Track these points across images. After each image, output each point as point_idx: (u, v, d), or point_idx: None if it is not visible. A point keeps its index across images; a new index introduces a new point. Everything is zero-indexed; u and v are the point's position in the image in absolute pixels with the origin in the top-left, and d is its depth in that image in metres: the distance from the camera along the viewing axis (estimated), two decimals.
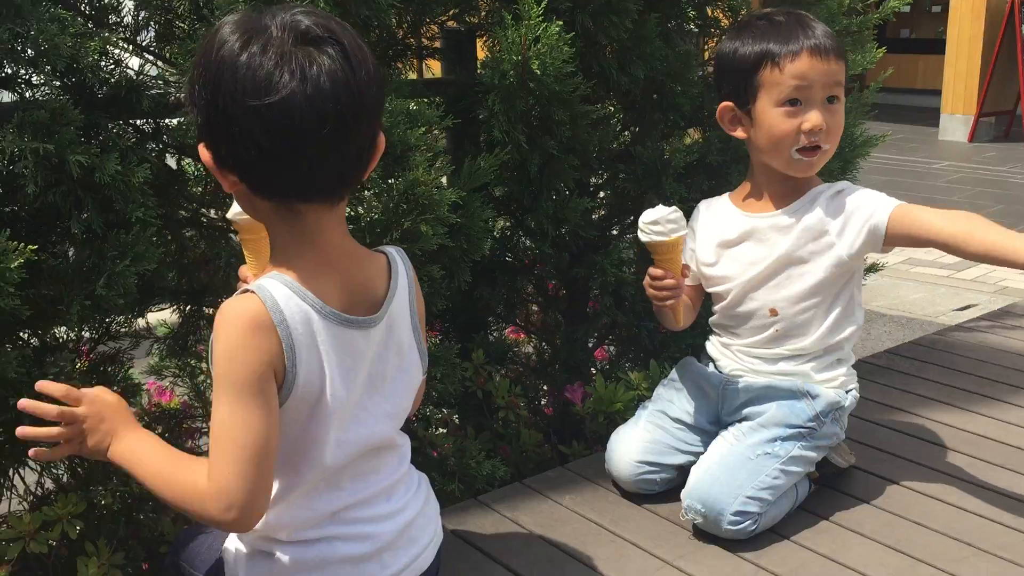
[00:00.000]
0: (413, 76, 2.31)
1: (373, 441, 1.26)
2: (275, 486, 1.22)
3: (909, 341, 2.58)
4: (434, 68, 2.39)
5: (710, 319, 1.85)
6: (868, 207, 1.62)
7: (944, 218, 1.54)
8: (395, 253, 1.31)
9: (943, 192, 6.71)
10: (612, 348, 2.62)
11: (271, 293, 1.14)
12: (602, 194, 2.46)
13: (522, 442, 2.15)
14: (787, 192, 1.71)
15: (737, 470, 1.62)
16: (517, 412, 2.09)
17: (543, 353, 2.54)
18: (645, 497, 1.76)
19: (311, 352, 1.16)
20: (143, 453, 1.19)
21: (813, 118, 1.60)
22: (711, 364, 1.83)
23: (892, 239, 1.62)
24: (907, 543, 1.59)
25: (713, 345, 1.84)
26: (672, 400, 1.82)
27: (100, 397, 1.22)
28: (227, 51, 1.07)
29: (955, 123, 8.81)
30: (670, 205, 2.21)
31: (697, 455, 1.74)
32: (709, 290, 1.81)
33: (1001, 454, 1.88)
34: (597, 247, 2.30)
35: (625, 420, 2.07)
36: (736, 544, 1.59)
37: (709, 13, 2.40)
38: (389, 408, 1.29)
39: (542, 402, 2.51)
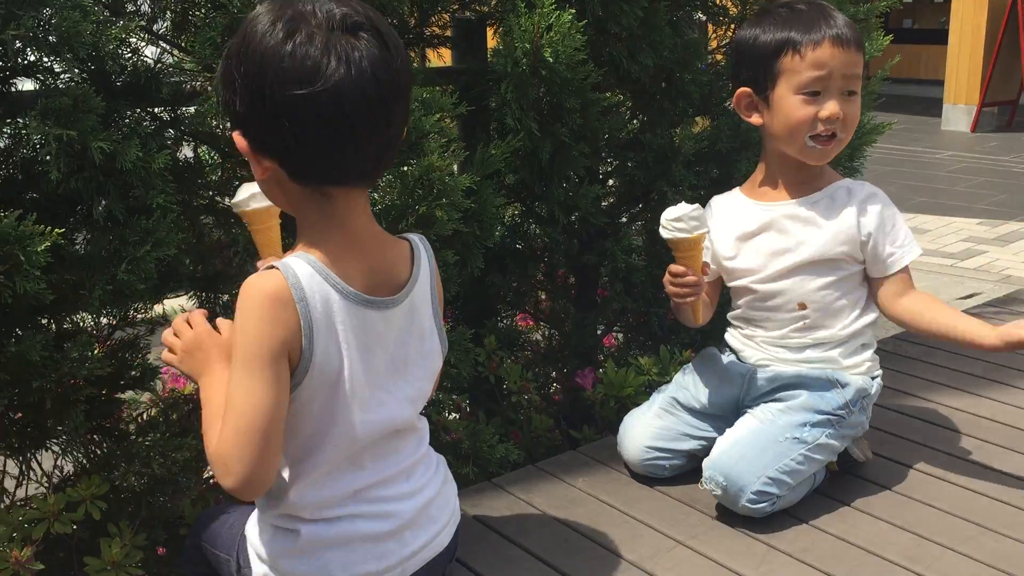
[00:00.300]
0: (427, 64, 2.33)
1: (395, 423, 1.29)
2: (300, 464, 1.25)
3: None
4: (445, 57, 2.41)
5: (730, 314, 1.86)
6: (898, 241, 1.69)
7: (906, 298, 1.69)
8: (418, 240, 1.33)
9: (946, 182, 6.72)
10: (621, 335, 2.65)
11: (294, 270, 1.17)
12: (612, 182, 2.48)
13: (533, 427, 2.17)
14: (803, 181, 1.73)
15: (764, 450, 1.63)
16: (528, 397, 2.11)
17: (552, 340, 2.57)
18: (657, 479, 1.78)
19: (329, 332, 1.19)
20: (209, 396, 1.23)
21: (831, 107, 1.63)
22: (733, 355, 1.84)
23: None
24: (915, 523, 1.61)
25: (734, 337, 1.85)
26: (688, 387, 1.83)
27: (203, 328, 1.28)
28: (271, 40, 1.10)
29: (958, 113, 8.81)
30: (679, 193, 2.25)
31: (710, 441, 1.76)
32: (731, 284, 1.81)
33: (1009, 437, 1.91)
34: (607, 234, 2.33)
35: (636, 405, 2.10)
36: (747, 524, 1.62)
37: (718, 1, 2.42)
38: (411, 391, 1.31)
39: (552, 388, 2.54)
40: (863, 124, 2.51)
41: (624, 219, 2.51)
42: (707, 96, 2.34)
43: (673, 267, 1.68)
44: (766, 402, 1.73)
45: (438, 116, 1.72)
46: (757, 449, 1.64)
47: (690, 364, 1.89)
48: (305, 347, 1.17)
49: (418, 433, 1.37)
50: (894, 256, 1.69)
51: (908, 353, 2.35)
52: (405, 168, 1.72)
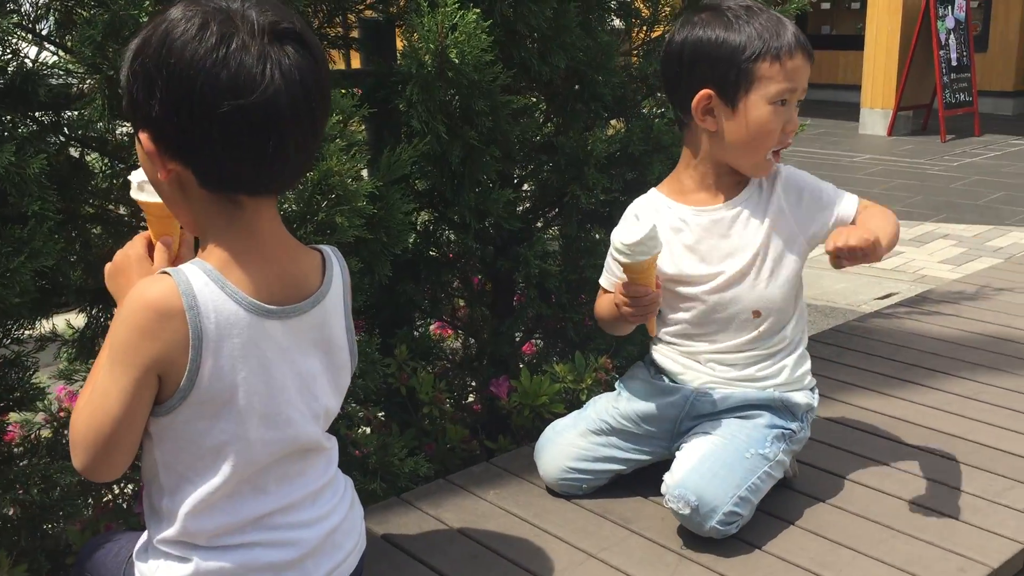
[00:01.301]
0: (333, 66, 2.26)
1: (300, 442, 1.22)
2: (192, 487, 1.17)
3: (830, 328, 2.61)
4: (354, 59, 2.35)
5: (664, 330, 1.73)
6: (833, 200, 1.66)
7: (875, 219, 1.64)
8: (331, 252, 1.28)
9: (864, 184, 6.86)
10: (541, 342, 2.61)
11: (187, 278, 1.11)
12: (526, 186, 2.44)
13: (448, 438, 2.12)
14: (732, 185, 1.67)
15: (733, 467, 1.55)
16: (442, 408, 2.06)
17: (470, 348, 2.52)
18: None
19: (222, 345, 1.12)
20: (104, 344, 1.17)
21: (795, 118, 1.60)
22: (664, 377, 1.73)
23: None
24: (827, 527, 1.60)
25: (669, 358, 1.73)
26: (621, 409, 1.73)
27: (134, 252, 1.23)
28: (201, 47, 1.05)
29: (875, 117, 9.02)
30: (593, 197, 2.21)
31: (637, 463, 1.72)
32: (679, 295, 1.68)
33: (919, 437, 1.92)
34: (522, 239, 2.29)
35: (552, 414, 2.06)
36: (659, 534, 1.59)
37: (634, 4, 2.40)
38: (317, 408, 1.24)
39: (469, 398, 2.49)
40: None
41: (540, 224, 2.48)
42: (620, 98, 2.32)
43: (632, 289, 1.55)
44: (719, 418, 1.65)
45: (338, 119, 1.66)
46: (727, 467, 1.56)
47: (623, 384, 1.78)
48: (191, 361, 1.10)
49: (326, 454, 1.30)
50: (840, 206, 1.65)
51: (821, 353, 2.36)
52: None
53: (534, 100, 2.34)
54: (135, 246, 1.25)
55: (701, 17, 1.64)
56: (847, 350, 2.38)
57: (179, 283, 1.10)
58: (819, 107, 10.45)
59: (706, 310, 1.66)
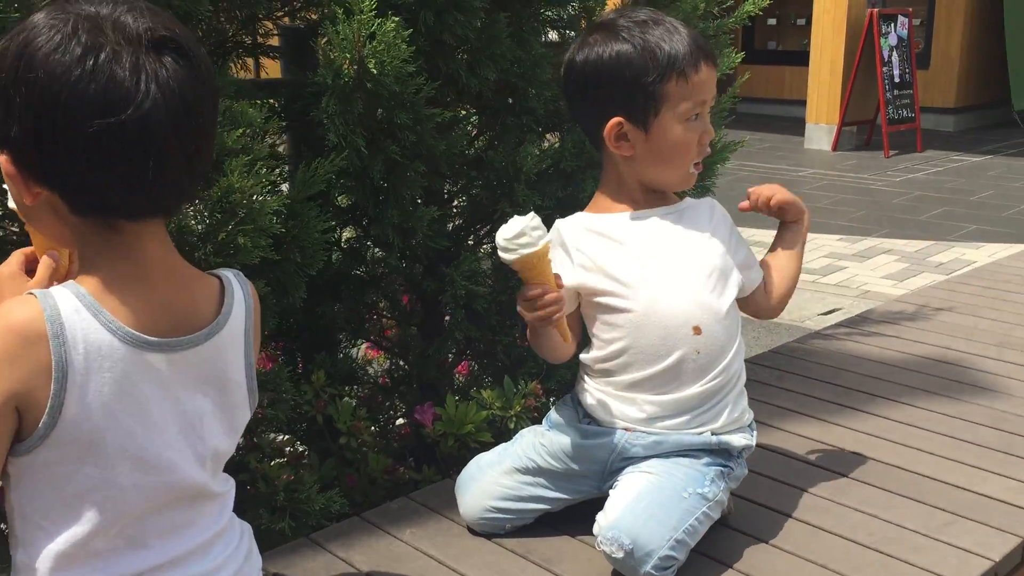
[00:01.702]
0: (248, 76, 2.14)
1: (185, 488, 1.10)
2: (57, 541, 1.04)
3: (769, 350, 2.55)
4: (273, 69, 2.23)
5: (596, 357, 1.59)
6: (750, 263, 1.65)
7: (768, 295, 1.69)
8: (232, 277, 1.16)
9: (808, 199, 6.87)
10: (476, 365, 2.50)
11: (56, 302, 0.99)
12: (457, 203, 2.34)
13: (370, 468, 2.00)
14: (658, 201, 1.60)
15: (671, 508, 1.45)
16: (361, 438, 1.94)
17: (398, 371, 2.40)
18: None
19: (90, 378, 1.00)
20: None
21: (710, 129, 1.54)
22: (591, 421, 1.61)
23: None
24: (764, 569, 1.52)
25: (597, 401, 1.59)
26: (548, 448, 1.61)
27: (8, 269, 1.12)
28: (67, 58, 0.94)
29: (819, 132, 9.09)
30: (525, 213, 2.12)
31: (564, 503, 1.62)
32: (613, 302, 1.55)
33: (859, 468, 1.85)
34: (451, 259, 2.18)
35: (478, 443, 1.95)
36: None
37: (568, 15, 2.32)
38: (204, 450, 1.12)
39: (395, 424, 2.37)
40: (715, 143, 2.45)
41: (472, 241, 2.38)
42: (553, 112, 2.23)
43: (529, 291, 1.44)
44: (652, 457, 1.54)
45: (241, 131, 1.54)
46: (664, 507, 1.45)
47: (550, 422, 1.66)
48: (53, 395, 0.98)
49: (218, 501, 1.18)
50: (752, 271, 1.65)
51: (759, 377, 2.29)
52: (202, 190, 1.53)
53: (463, 113, 2.25)
54: (9, 263, 1.12)
55: (596, 37, 1.54)
56: (786, 373, 2.31)
57: (45, 307, 0.98)
58: (765, 122, 10.53)
59: (640, 321, 1.52)
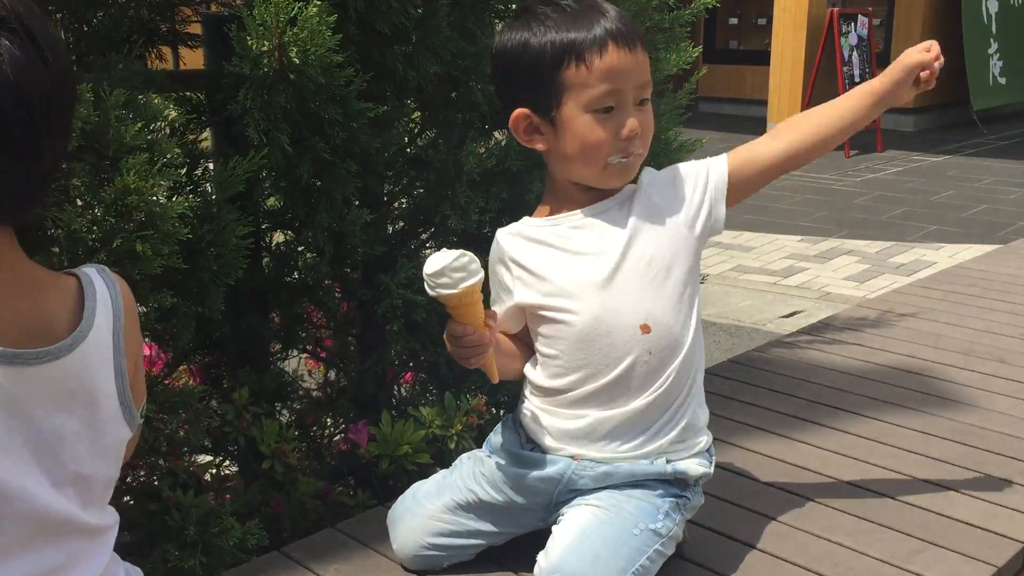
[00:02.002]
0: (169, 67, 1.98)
1: (44, 520, 0.95)
2: None
3: (728, 360, 2.43)
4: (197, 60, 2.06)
5: (543, 382, 1.44)
6: (699, 170, 1.46)
7: (775, 137, 1.51)
8: (94, 274, 1.02)
9: (769, 199, 6.81)
10: (422, 376, 2.35)
11: None
12: (397, 205, 2.19)
13: (300, 493, 1.85)
14: (597, 198, 1.44)
15: (619, 547, 1.31)
16: (286, 462, 1.78)
17: (334, 384, 2.25)
18: None
19: None
20: None
21: (631, 124, 1.35)
22: (534, 447, 1.47)
23: (739, 188, 1.47)
24: None
25: (539, 424, 1.45)
26: (488, 478, 1.47)
27: None
28: None
29: None
30: (465, 218, 1.97)
31: (506, 537, 1.48)
32: (553, 315, 1.42)
33: (821, 489, 1.72)
34: (389, 265, 2.03)
35: (416, 464, 1.81)
36: None
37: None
38: (62, 475, 0.97)
39: (336, 438, 2.22)
40: (670, 141, 2.32)
41: (414, 246, 2.23)
42: (500, 108, 2.08)
43: (452, 327, 1.32)
44: (601, 488, 1.40)
45: (140, 126, 1.38)
46: (611, 546, 1.31)
47: (490, 448, 1.51)
48: None
49: (96, 539, 1.03)
50: (712, 167, 1.47)
51: (718, 389, 2.16)
52: (97, 190, 1.37)
53: (404, 108, 2.10)
54: None
55: (513, 24, 1.41)
56: (745, 385, 2.19)
57: None
58: (726, 121, 10.47)
59: (583, 333, 1.38)
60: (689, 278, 1.42)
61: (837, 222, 6.20)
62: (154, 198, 1.36)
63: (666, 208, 1.43)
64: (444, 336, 1.36)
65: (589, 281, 1.39)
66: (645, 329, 1.37)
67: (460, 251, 1.28)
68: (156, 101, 1.44)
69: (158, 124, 1.46)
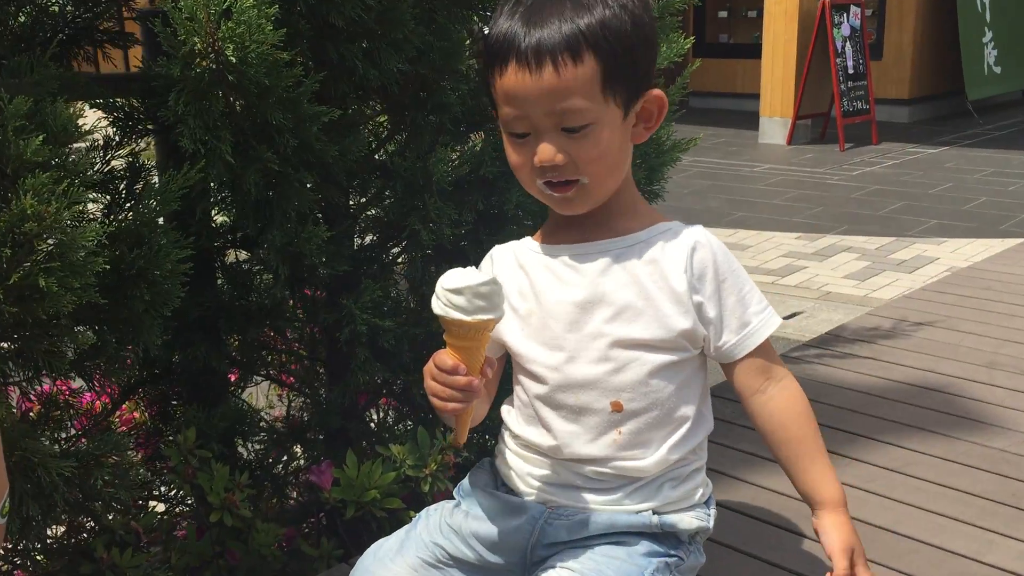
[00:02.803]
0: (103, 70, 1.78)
1: None
2: None
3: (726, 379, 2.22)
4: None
5: (516, 428, 1.26)
6: (749, 307, 1.19)
7: (764, 394, 1.21)
8: None
9: (764, 195, 6.63)
10: (399, 409, 2.15)
11: None
12: (363, 219, 1.99)
13: (257, 543, 1.65)
14: (602, 223, 1.20)
15: None
16: (235, 512, 1.58)
17: (297, 415, 2.05)
18: None
19: None
20: None
21: (542, 151, 1.11)
22: (505, 488, 1.28)
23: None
24: None
25: (508, 464, 1.28)
26: (458, 531, 1.28)
27: None
28: None
29: (774, 126, 8.87)
30: (435, 231, 1.77)
31: None
32: (527, 365, 1.23)
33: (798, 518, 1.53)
34: (355, 285, 1.83)
35: (385, 511, 1.62)
36: None
37: None
38: None
39: (303, 477, 2.02)
40: (662, 142, 2.13)
41: (386, 260, 2.03)
42: (473, 109, 1.89)
43: (442, 359, 1.09)
44: (583, 546, 1.20)
45: (41, 139, 1.17)
46: None
47: (461, 493, 1.32)
48: None
49: None
50: (746, 330, 1.18)
51: (719, 414, 1.96)
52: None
53: (366, 111, 1.90)
54: None
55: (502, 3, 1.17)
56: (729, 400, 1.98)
57: None
58: (718, 116, 10.30)
59: (551, 392, 1.20)
60: (688, 363, 1.20)
61: (834, 218, 6.02)
62: (61, 224, 1.15)
63: (688, 287, 1.17)
64: (426, 366, 1.13)
65: (561, 342, 1.19)
66: (616, 406, 1.19)
67: (492, 277, 1.06)
68: (65, 111, 1.24)
69: (72, 136, 1.26)
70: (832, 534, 1.18)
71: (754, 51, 9.50)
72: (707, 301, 1.17)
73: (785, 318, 4.35)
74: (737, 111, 10.60)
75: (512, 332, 1.23)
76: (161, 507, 1.83)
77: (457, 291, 1.04)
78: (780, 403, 1.21)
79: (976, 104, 9.58)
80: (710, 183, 6.90)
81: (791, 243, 5.48)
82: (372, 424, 2.08)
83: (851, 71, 8.44)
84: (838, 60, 8.29)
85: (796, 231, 5.74)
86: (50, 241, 1.15)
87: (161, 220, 1.49)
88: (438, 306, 1.07)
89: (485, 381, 1.16)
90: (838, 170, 7.57)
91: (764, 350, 1.21)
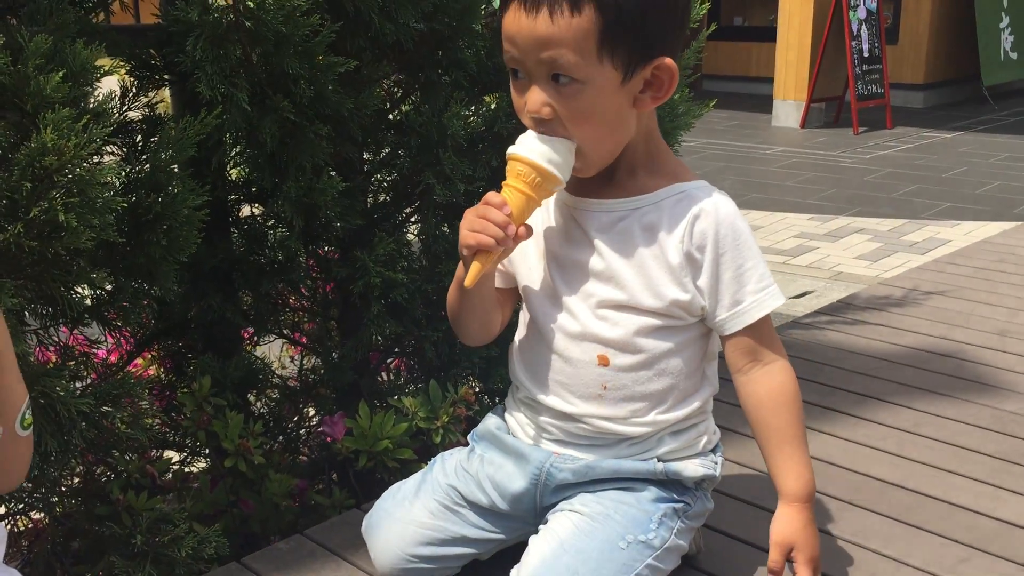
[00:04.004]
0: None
1: None
2: None
3: None
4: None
5: (517, 364, 1.30)
6: (748, 284, 1.17)
7: (752, 375, 1.22)
8: None
9: (778, 177, 6.61)
10: (412, 362, 2.16)
11: None
12: (380, 175, 1.99)
13: (270, 492, 1.66)
14: (623, 179, 1.19)
15: (602, 563, 1.13)
16: (248, 459, 1.60)
17: (309, 371, 2.06)
18: None
19: None
20: None
21: (529, 99, 1.11)
22: (512, 436, 1.30)
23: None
24: None
25: (516, 416, 1.30)
26: (472, 474, 1.29)
27: None
28: None
29: (787, 109, 8.82)
30: (450, 187, 1.78)
31: (494, 546, 1.29)
32: (526, 319, 1.27)
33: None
34: (368, 240, 1.84)
35: (397, 461, 1.63)
36: None
37: None
38: None
39: (308, 434, 2.03)
40: (675, 108, 2.12)
41: (399, 219, 2.04)
42: (489, 69, 1.89)
43: (492, 195, 1.13)
44: (588, 491, 1.22)
45: (61, 75, 1.18)
46: (592, 562, 1.12)
47: (476, 438, 1.34)
48: None
49: None
50: (737, 308, 1.17)
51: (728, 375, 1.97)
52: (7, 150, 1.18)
53: (381, 67, 1.90)
54: None
55: None
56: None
57: None
58: (732, 99, 10.24)
59: (541, 338, 1.22)
60: (685, 329, 1.21)
61: (847, 200, 6.00)
62: (80, 161, 1.16)
63: (684, 257, 1.17)
64: (472, 208, 1.14)
65: (569, 293, 1.22)
66: (603, 360, 1.21)
67: (573, 147, 1.12)
68: (82, 50, 1.24)
69: (91, 76, 1.27)
70: (775, 525, 1.19)
71: (769, 34, 9.44)
72: (703, 273, 1.17)
73: (795, 297, 4.34)
74: (751, 95, 10.55)
75: (524, 264, 1.25)
76: (177, 457, 1.85)
77: (545, 139, 1.10)
78: (760, 387, 1.21)
79: (992, 90, 9.51)
80: (724, 164, 6.87)
81: (803, 224, 5.47)
82: (383, 384, 2.09)
83: (866, 55, 8.38)
84: (853, 43, 8.23)
85: (808, 212, 5.72)
86: (69, 176, 1.15)
87: (176, 168, 1.50)
88: (518, 146, 1.13)
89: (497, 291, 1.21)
90: (852, 153, 7.53)
91: (755, 330, 1.19)
